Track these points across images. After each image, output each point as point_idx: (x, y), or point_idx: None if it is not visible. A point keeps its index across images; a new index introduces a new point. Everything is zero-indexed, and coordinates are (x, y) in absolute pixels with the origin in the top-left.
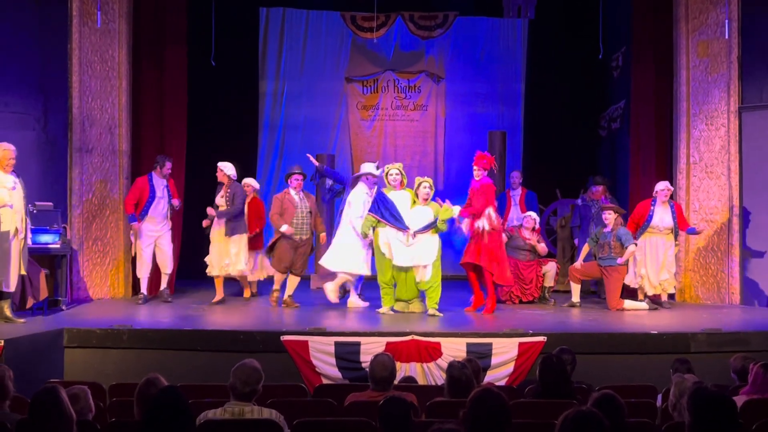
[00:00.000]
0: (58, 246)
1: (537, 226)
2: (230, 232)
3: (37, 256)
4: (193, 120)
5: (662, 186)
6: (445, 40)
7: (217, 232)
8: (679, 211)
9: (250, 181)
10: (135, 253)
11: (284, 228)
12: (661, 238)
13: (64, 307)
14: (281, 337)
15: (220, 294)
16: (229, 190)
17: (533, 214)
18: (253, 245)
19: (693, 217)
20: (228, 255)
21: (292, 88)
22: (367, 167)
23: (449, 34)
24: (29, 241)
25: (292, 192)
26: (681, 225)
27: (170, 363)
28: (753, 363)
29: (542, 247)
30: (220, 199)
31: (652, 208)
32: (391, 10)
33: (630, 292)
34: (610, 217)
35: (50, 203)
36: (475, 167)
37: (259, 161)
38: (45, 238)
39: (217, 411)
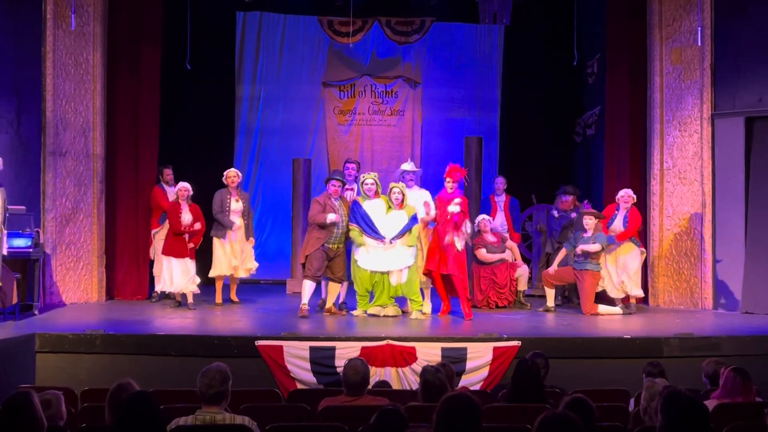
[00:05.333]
0: (31, 250)
1: (491, 226)
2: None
3: (10, 260)
4: (168, 124)
5: (621, 193)
6: (421, 46)
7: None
8: (631, 218)
9: (186, 185)
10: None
11: (332, 216)
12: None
13: (36, 312)
14: (256, 342)
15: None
16: (241, 198)
17: (485, 216)
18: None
19: (666, 222)
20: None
21: (269, 92)
22: (405, 166)
23: (426, 39)
24: (4, 251)
25: (332, 198)
26: (622, 234)
27: (143, 368)
28: (724, 367)
29: (510, 243)
30: (237, 204)
31: (615, 213)
32: (368, 15)
33: (607, 299)
34: (590, 222)
35: (23, 207)
36: (448, 179)
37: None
38: (17, 242)
39: (188, 418)
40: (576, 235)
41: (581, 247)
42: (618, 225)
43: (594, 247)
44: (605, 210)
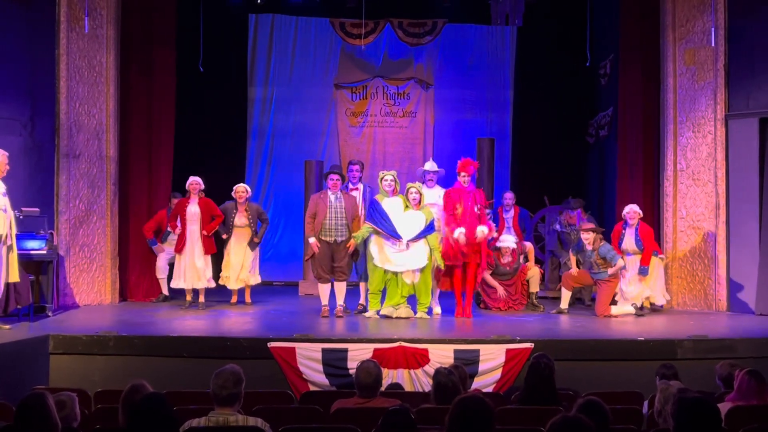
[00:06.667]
0: (45, 252)
1: (513, 249)
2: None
3: (24, 261)
4: (181, 126)
5: (626, 209)
6: (433, 47)
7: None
8: (644, 235)
9: (197, 179)
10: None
11: (311, 240)
12: (633, 257)
13: (50, 314)
14: (268, 344)
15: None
16: (248, 211)
17: (510, 241)
18: (208, 249)
19: (680, 223)
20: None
21: (281, 94)
22: (427, 165)
23: (438, 41)
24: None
25: (329, 192)
26: (644, 255)
27: (156, 370)
28: (739, 370)
29: (526, 245)
30: (242, 219)
31: (623, 231)
32: (380, 16)
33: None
34: (588, 237)
35: (37, 209)
36: (463, 173)
37: (247, 168)
38: (31, 244)
39: (201, 420)
40: (580, 243)
41: (612, 271)
42: (630, 243)
43: (619, 264)
44: (613, 231)
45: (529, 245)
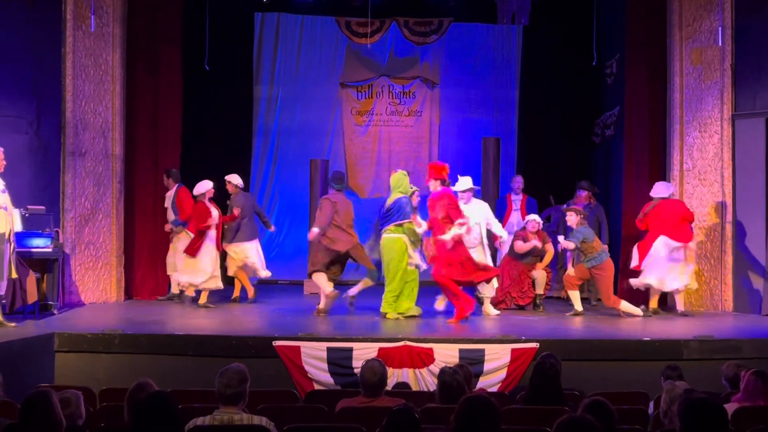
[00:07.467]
0: (50, 250)
1: (540, 229)
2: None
3: (29, 259)
4: (187, 124)
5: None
6: (439, 46)
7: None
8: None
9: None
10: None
11: (314, 230)
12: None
13: (55, 311)
14: (273, 343)
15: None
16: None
17: (537, 218)
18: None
19: None
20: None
21: (287, 93)
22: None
23: (444, 40)
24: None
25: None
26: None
27: (161, 368)
28: (745, 370)
29: (548, 246)
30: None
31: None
32: (386, 15)
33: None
34: (572, 218)
35: (42, 207)
36: (431, 180)
37: (253, 167)
38: (37, 242)
39: (206, 419)
40: (569, 232)
41: (559, 239)
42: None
43: (568, 244)
44: (665, 207)
45: (550, 248)
